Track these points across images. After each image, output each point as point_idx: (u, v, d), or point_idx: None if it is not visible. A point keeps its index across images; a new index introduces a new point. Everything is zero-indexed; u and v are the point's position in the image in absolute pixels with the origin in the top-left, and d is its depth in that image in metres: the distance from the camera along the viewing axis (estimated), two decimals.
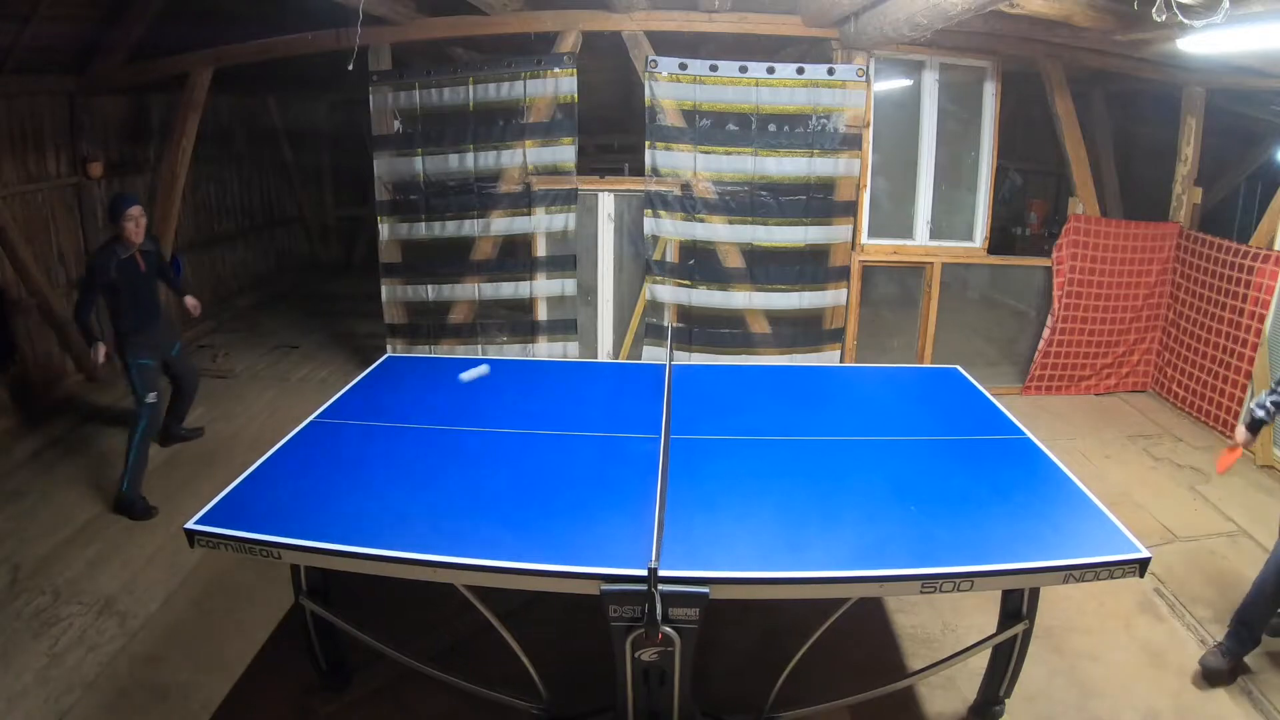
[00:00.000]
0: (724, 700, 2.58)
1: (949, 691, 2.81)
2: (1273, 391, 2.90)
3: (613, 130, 7.48)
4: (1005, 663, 2.56)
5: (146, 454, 4.05)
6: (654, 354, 5.43)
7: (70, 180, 5.44)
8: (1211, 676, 2.87)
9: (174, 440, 4.66)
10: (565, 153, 5.24)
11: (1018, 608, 2.46)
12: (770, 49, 5.73)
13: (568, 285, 5.47)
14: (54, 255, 5.34)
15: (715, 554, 2.13)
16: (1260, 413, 2.91)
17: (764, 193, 5.25)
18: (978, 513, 2.39)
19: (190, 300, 4.42)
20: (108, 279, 3.94)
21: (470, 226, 5.39)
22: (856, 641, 2.99)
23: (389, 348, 5.64)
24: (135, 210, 3.97)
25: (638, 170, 5.48)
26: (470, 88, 5.24)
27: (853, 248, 5.40)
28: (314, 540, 2.17)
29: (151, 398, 4.08)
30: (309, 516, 2.30)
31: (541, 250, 5.41)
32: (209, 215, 7.31)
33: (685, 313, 5.48)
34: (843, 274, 5.43)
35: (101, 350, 3.99)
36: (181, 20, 5.28)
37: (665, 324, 5.35)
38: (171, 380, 4.51)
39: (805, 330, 5.57)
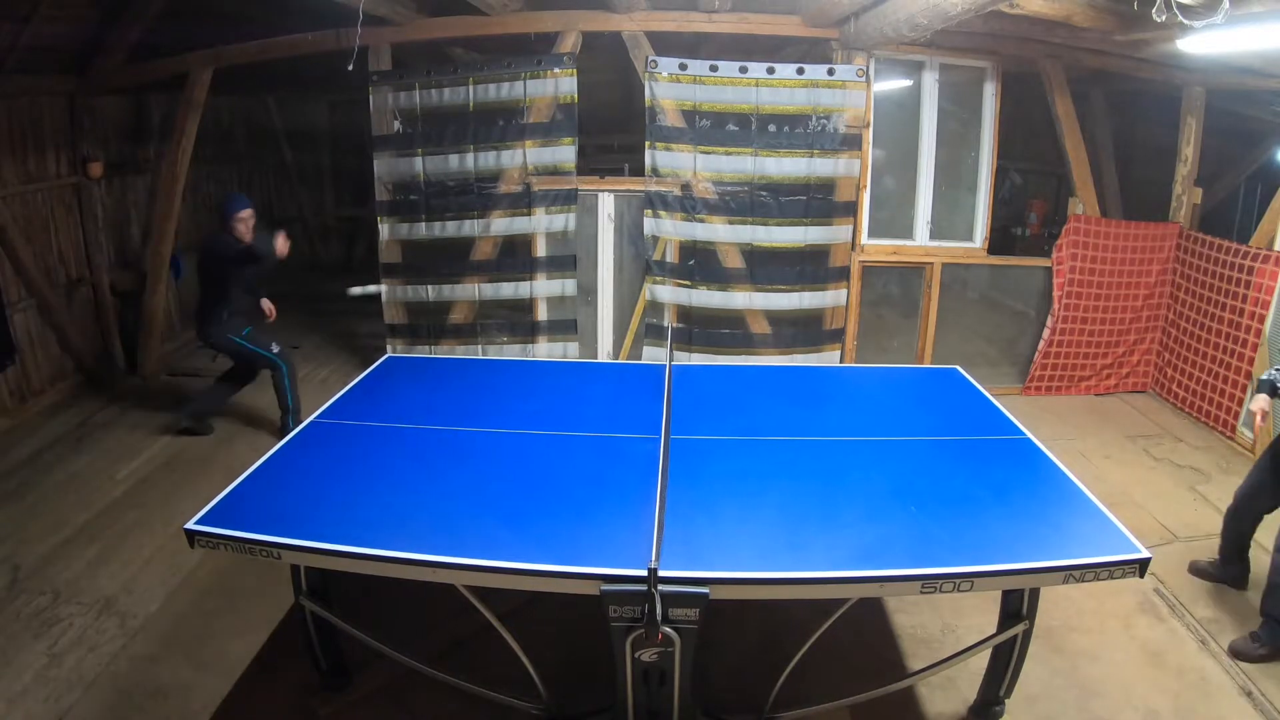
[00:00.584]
0: (724, 700, 2.58)
1: (949, 691, 2.82)
2: None
3: (613, 130, 7.48)
4: (1005, 663, 2.56)
5: (297, 394, 4.69)
6: (654, 354, 5.43)
7: (70, 180, 5.44)
8: (1239, 657, 2.96)
9: (192, 419, 4.78)
10: (565, 153, 5.24)
11: (1018, 608, 2.46)
12: (770, 49, 5.74)
13: (568, 285, 5.47)
14: (54, 255, 5.34)
15: (715, 554, 2.13)
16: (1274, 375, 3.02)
17: (764, 193, 5.25)
18: (978, 513, 2.39)
19: (267, 302, 4.79)
20: (228, 260, 4.33)
21: (470, 227, 5.39)
22: (856, 641, 3.00)
23: (389, 348, 5.65)
24: (246, 213, 4.39)
25: (638, 170, 5.48)
26: (470, 88, 5.25)
27: (853, 248, 5.40)
28: (314, 540, 2.17)
29: (275, 348, 4.54)
30: (309, 516, 2.30)
31: (541, 250, 5.41)
32: (209, 215, 7.29)
33: (685, 313, 5.48)
34: (843, 274, 5.43)
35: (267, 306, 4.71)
36: (181, 20, 5.28)
37: (665, 324, 5.35)
38: (235, 367, 4.82)
39: (805, 330, 5.57)
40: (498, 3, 4.74)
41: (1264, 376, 3.07)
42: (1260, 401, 2.99)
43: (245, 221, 4.35)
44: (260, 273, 4.63)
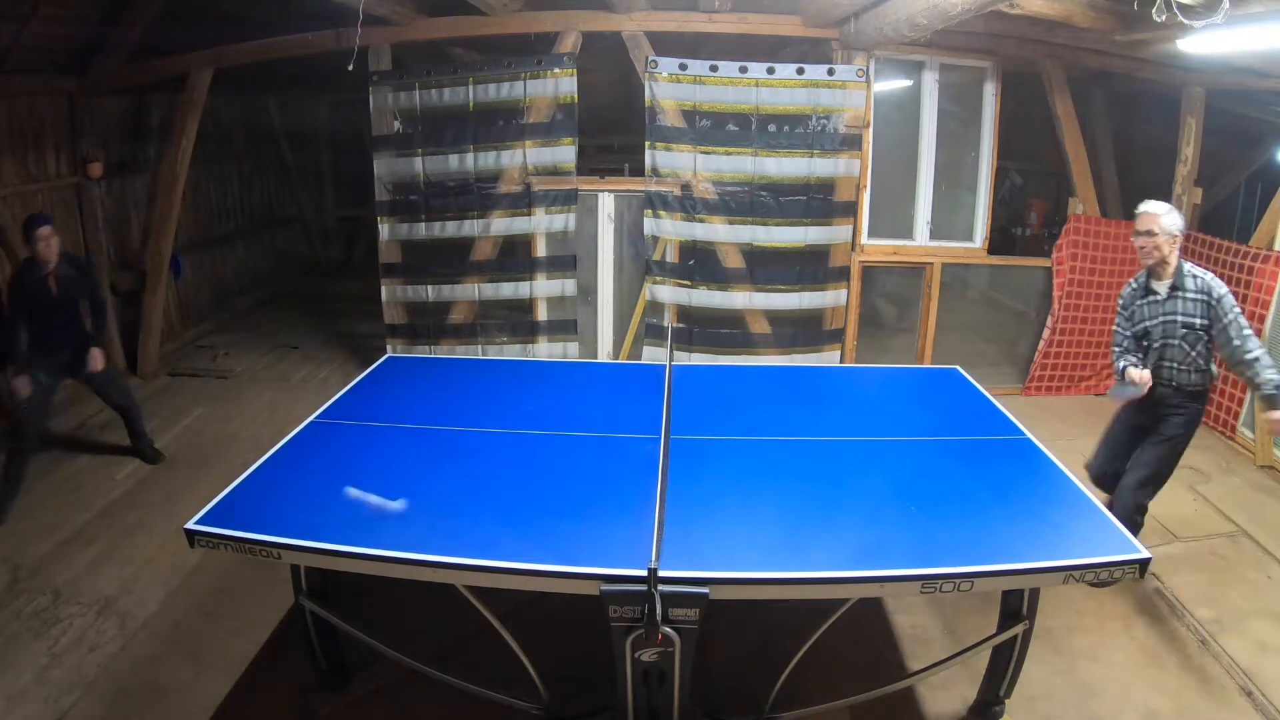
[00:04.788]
0: (724, 700, 2.58)
1: (949, 691, 2.81)
2: (1126, 352, 3.25)
3: (613, 130, 7.48)
4: (1005, 663, 2.56)
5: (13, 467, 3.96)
6: (654, 354, 5.42)
7: (70, 180, 5.43)
8: None
9: (150, 459, 4.51)
10: (565, 153, 5.24)
11: (1018, 608, 2.46)
12: (770, 49, 5.74)
13: (568, 285, 5.47)
14: None
15: (715, 554, 2.13)
16: (1121, 363, 3.23)
17: (764, 193, 5.25)
18: (978, 513, 2.39)
19: (95, 352, 4.07)
20: (23, 295, 3.94)
21: (470, 227, 5.39)
22: (856, 641, 2.99)
23: (389, 348, 5.64)
24: (44, 231, 3.92)
25: (638, 170, 5.48)
26: (470, 88, 5.25)
27: (853, 248, 5.40)
28: (314, 540, 2.17)
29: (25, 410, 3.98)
30: (309, 516, 2.30)
31: (541, 250, 5.41)
32: (209, 215, 7.30)
33: (685, 313, 5.47)
34: (843, 274, 5.43)
35: (22, 385, 3.87)
36: (181, 20, 5.28)
37: (665, 324, 5.35)
38: (108, 405, 4.44)
39: (805, 330, 5.57)
40: (498, 3, 4.74)
41: (1121, 364, 3.23)
42: (1133, 373, 3.13)
43: (44, 240, 3.88)
44: (93, 320, 4.12)
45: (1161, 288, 3.14)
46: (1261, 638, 3.10)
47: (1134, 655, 3.04)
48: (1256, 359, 2.95)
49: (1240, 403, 4.78)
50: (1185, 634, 3.16)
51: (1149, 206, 3.13)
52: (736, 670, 2.84)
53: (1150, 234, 3.07)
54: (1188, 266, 3.11)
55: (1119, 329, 3.33)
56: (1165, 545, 3.74)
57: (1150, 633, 3.17)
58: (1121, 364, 3.24)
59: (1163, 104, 5.81)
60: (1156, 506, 4.06)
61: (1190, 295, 3.08)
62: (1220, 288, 3.04)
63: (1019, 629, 2.47)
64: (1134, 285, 3.27)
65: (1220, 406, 4.93)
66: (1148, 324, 3.19)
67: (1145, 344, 3.23)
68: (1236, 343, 2.99)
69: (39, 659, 2.93)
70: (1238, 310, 3.03)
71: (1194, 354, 3.12)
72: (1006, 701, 2.65)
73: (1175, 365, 3.15)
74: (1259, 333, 4.59)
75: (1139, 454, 3.30)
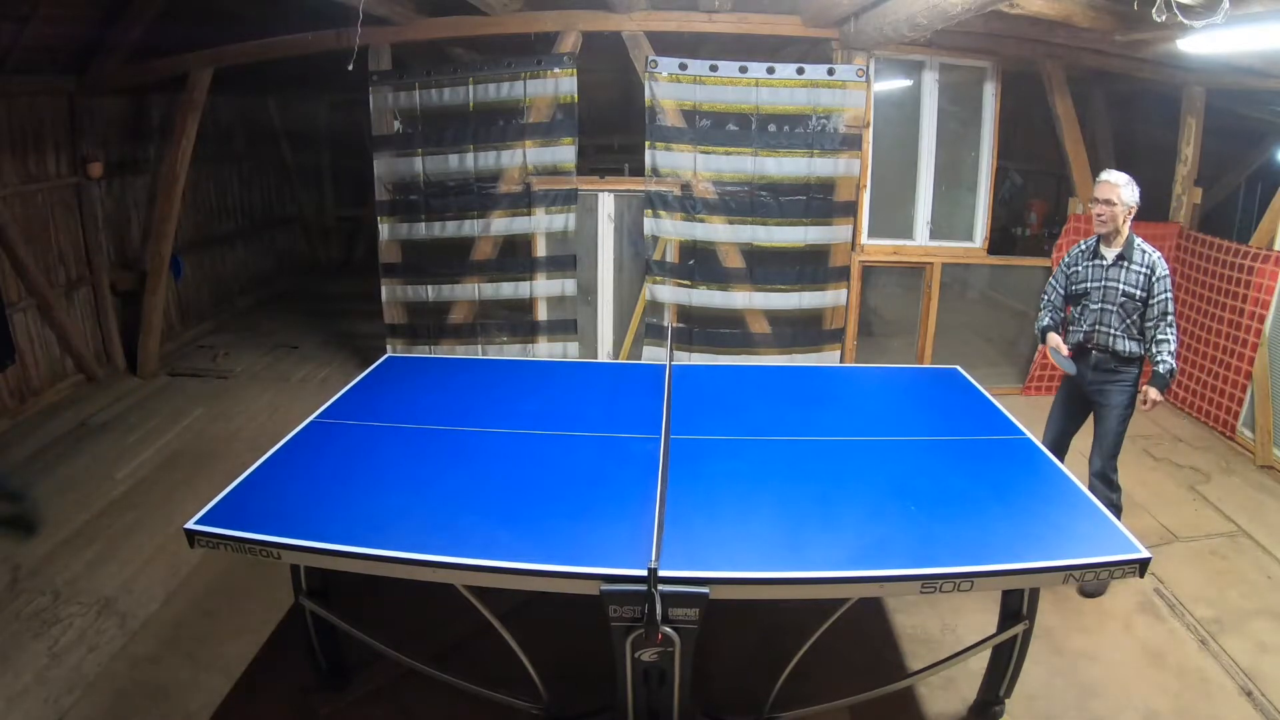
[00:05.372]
0: (724, 700, 2.58)
1: (949, 691, 2.82)
2: (1052, 307, 3.41)
3: (613, 130, 7.48)
4: (1005, 663, 2.56)
5: None
6: (654, 354, 5.42)
7: (70, 180, 5.43)
8: None
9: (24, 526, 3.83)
10: (565, 153, 5.24)
11: (1018, 608, 2.46)
12: (770, 49, 5.73)
13: (568, 285, 5.47)
14: (54, 255, 5.34)
15: (715, 554, 2.13)
16: (1048, 320, 3.42)
17: (764, 193, 5.24)
18: (978, 513, 2.39)
19: None
20: None
21: (470, 226, 5.39)
22: (856, 641, 2.99)
23: (389, 348, 5.64)
24: None
25: (638, 170, 5.48)
26: (470, 88, 5.25)
27: (853, 248, 5.39)
28: (314, 540, 2.17)
29: None
30: (309, 516, 2.30)
31: (541, 250, 5.41)
32: (209, 215, 7.30)
33: (685, 313, 5.47)
34: (843, 274, 5.43)
35: None
36: (181, 20, 5.28)
37: (665, 324, 5.35)
38: None
39: (805, 330, 5.57)
40: (498, 3, 4.73)
41: (1045, 323, 3.39)
42: (1054, 340, 3.34)
43: None
44: None
45: (1110, 254, 3.22)
46: (1261, 638, 3.11)
47: (1134, 655, 3.04)
48: (1165, 340, 3.13)
49: (1240, 403, 4.78)
50: (1185, 634, 3.16)
51: (1110, 176, 3.18)
52: (736, 670, 2.84)
53: (1110, 203, 3.13)
54: (1137, 240, 3.19)
55: (1053, 284, 3.44)
56: (1165, 545, 3.74)
57: (1150, 633, 3.17)
58: (1047, 321, 3.41)
59: (1163, 104, 5.81)
60: (1157, 507, 4.09)
61: (1136, 267, 3.16)
62: (1164, 268, 3.14)
63: (1019, 629, 2.47)
64: (1082, 247, 3.35)
65: (1220, 406, 4.93)
66: (1088, 285, 3.28)
67: (1081, 305, 3.31)
68: (1155, 321, 3.14)
69: (39, 659, 2.93)
70: (1171, 295, 3.15)
71: (1129, 322, 3.21)
72: (1006, 701, 2.65)
73: (1111, 331, 3.24)
74: (1258, 332, 4.60)
75: (1094, 441, 3.38)
